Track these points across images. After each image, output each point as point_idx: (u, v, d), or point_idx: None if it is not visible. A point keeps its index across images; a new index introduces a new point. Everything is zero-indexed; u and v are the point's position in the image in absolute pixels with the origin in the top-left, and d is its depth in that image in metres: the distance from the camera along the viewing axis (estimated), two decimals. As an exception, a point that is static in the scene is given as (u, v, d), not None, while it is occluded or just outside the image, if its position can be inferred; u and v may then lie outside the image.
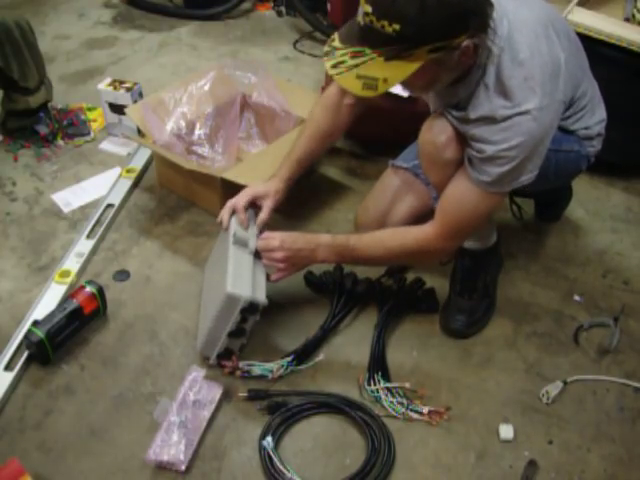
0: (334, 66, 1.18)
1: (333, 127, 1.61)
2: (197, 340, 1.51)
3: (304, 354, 1.50)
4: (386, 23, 1.10)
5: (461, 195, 1.37)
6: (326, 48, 1.21)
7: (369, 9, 1.11)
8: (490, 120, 1.27)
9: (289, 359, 1.48)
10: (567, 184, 1.86)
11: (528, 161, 1.29)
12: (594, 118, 1.51)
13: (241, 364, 1.46)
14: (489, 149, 1.28)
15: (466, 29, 1.15)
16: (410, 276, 1.70)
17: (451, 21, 1.12)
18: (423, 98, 1.53)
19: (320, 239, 1.49)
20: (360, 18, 1.14)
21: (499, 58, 1.24)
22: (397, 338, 1.58)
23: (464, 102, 1.32)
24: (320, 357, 1.50)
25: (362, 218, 1.77)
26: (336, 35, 1.22)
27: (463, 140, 1.36)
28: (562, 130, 1.47)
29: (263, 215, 1.53)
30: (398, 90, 1.89)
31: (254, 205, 1.55)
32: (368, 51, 1.15)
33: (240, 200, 1.52)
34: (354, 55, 1.16)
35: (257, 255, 1.48)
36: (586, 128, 1.50)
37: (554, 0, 2.16)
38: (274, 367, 1.46)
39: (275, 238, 1.46)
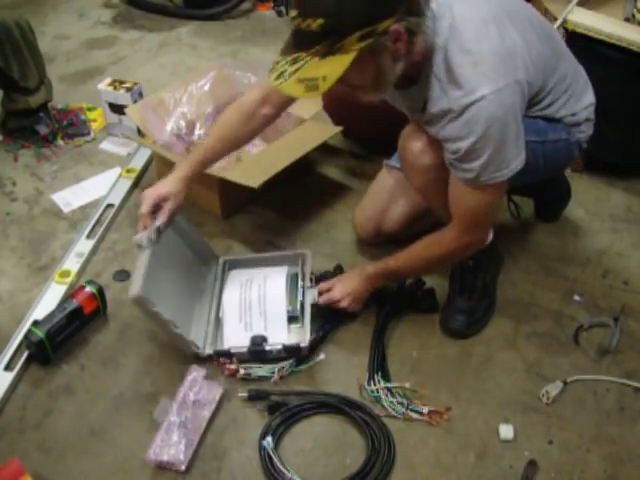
0: (277, 78, 1.21)
1: (245, 134, 1.60)
2: None
3: (305, 355, 1.50)
4: (311, 21, 1.13)
5: (460, 195, 1.39)
6: (270, 66, 1.24)
7: (294, 12, 1.16)
8: (450, 113, 1.28)
9: (290, 360, 1.48)
10: (562, 172, 1.85)
11: (506, 144, 1.28)
12: (580, 104, 1.50)
13: (242, 366, 1.46)
14: (463, 145, 1.28)
15: (391, 13, 1.16)
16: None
17: (371, 5, 1.14)
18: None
19: (367, 273, 1.56)
20: (291, 25, 1.18)
21: (445, 48, 1.25)
22: (397, 338, 1.58)
23: (426, 102, 1.33)
24: (321, 357, 1.50)
25: (360, 218, 1.79)
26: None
27: (439, 144, 1.37)
28: (547, 120, 1.47)
29: (162, 218, 1.49)
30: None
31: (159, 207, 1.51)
32: (303, 55, 1.18)
33: (144, 208, 1.48)
34: (292, 62, 1.19)
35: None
36: (573, 115, 1.50)
37: (554, 0, 2.16)
38: (275, 368, 1.46)
39: (334, 292, 1.55)
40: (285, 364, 1.47)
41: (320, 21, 1.12)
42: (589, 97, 1.53)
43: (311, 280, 1.61)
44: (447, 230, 1.45)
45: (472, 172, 1.31)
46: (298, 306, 1.56)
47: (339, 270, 1.68)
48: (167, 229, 1.53)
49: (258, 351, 1.48)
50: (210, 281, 1.68)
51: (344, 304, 1.55)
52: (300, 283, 1.60)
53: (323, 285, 1.58)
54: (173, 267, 1.59)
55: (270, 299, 1.57)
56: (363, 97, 1.35)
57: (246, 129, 1.58)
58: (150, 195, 1.49)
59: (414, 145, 1.45)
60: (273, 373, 1.45)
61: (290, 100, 1.57)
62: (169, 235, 1.56)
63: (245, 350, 1.48)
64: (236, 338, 1.52)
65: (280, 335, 1.52)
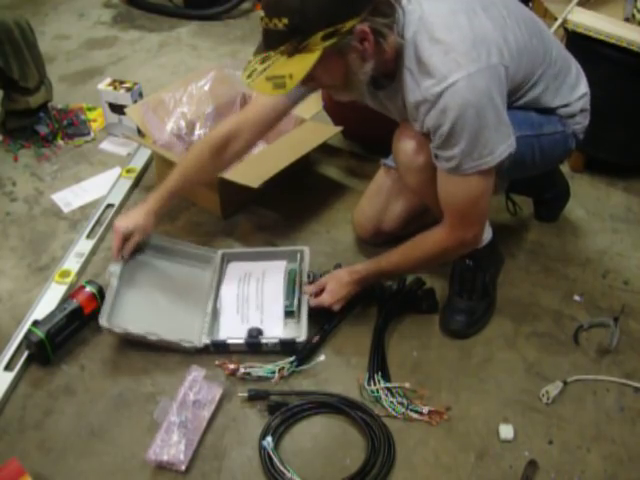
0: (248, 76, 1.24)
1: (215, 168, 1.64)
2: None
3: (305, 355, 1.50)
4: (277, 20, 1.17)
5: (448, 189, 1.39)
6: (245, 65, 1.27)
7: (262, 13, 1.19)
8: (425, 104, 1.29)
9: (291, 359, 1.48)
10: (561, 164, 1.85)
11: (485, 130, 1.28)
12: (574, 93, 1.51)
13: (242, 366, 1.47)
14: (442, 132, 1.29)
15: (355, 13, 1.19)
16: (410, 276, 1.70)
17: (334, 5, 1.17)
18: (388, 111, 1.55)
19: (358, 275, 1.55)
20: (261, 25, 1.21)
21: (415, 40, 1.27)
22: (397, 338, 1.58)
23: (403, 97, 1.34)
24: (321, 358, 1.50)
25: (359, 218, 1.80)
26: None
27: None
28: (542, 112, 1.47)
29: (125, 252, 1.60)
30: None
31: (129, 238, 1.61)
32: (272, 53, 1.21)
33: (114, 245, 1.59)
34: (262, 61, 1.23)
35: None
36: (567, 105, 1.50)
37: (554, 0, 2.16)
38: (276, 369, 1.46)
39: (325, 298, 1.54)
40: (286, 364, 1.47)
41: (285, 20, 1.16)
42: (582, 87, 1.54)
43: (308, 277, 1.62)
44: (438, 227, 1.45)
45: (454, 159, 1.31)
46: (295, 301, 1.57)
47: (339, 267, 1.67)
48: (142, 253, 1.66)
49: (254, 343, 1.50)
50: (208, 274, 1.69)
51: (336, 307, 1.55)
52: (298, 279, 1.62)
53: (312, 288, 1.57)
54: (156, 278, 1.66)
55: (268, 294, 1.60)
56: (337, 96, 1.37)
57: (215, 164, 1.62)
58: (118, 232, 1.58)
59: (408, 145, 1.45)
60: (273, 373, 1.45)
61: (260, 134, 1.61)
62: (144, 257, 1.67)
63: (242, 342, 1.50)
64: (232, 329, 1.55)
65: (275, 329, 1.54)
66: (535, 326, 1.62)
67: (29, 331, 1.48)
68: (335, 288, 1.55)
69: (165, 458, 1.29)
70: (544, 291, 1.71)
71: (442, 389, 1.46)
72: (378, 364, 1.49)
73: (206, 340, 1.51)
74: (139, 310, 1.56)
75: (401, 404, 1.41)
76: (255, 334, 1.51)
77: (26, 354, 1.50)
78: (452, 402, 1.43)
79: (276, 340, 1.49)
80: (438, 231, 1.45)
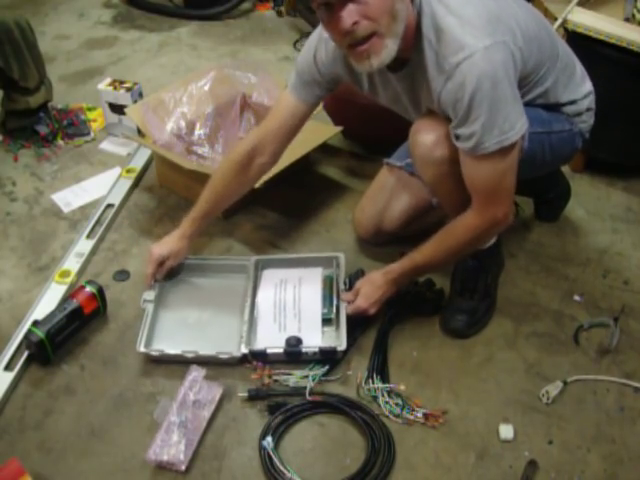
0: None
1: (241, 186, 1.64)
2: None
3: (335, 364, 1.50)
4: None
5: (473, 171, 1.36)
6: None
7: None
8: (442, 74, 1.28)
9: (319, 367, 1.47)
10: (567, 163, 1.85)
11: (504, 103, 1.27)
12: (581, 91, 1.52)
13: (275, 372, 1.46)
14: (460, 106, 1.28)
15: None
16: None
17: None
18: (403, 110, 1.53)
19: (393, 275, 1.53)
20: None
21: (433, 12, 1.27)
22: (397, 338, 1.58)
23: (425, 70, 1.33)
24: (349, 372, 1.48)
25: (359, 218, 1.80)
26: None
27: (450, 138, 1.36)
28: (550, 108, 1.48)
29: (158, 276, 1.63)
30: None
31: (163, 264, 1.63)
32: None
33: (149, 270, 1.61)
34: None
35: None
36: (574, 102, 1.51)
37: (554, 0, 2.16)
38: (310, 378, 1.44)
39: (360, 302, 1.52)
40: (319, 373, 1.46)
41: None
42: (588, 85, 1.55)
43: (345, 284, 1.60)
44: (468, 212, 1.42)
45: (475, 136, 1.29)
46: (334, 309, 1.55)
47: (362, 274, 1.64)
48: (177, 275, 1.69)
49: (293, 352, 1.48)
50: (243, 282, 1.66)
51: (372, 311, 1.53)
52: (335, 286, 1.60)
53: (348, 296, 1.55)
54: (192, 296, 1.67)
55: (305, 301, 1.58)
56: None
57: (242, 181, 1.62)
58: (152, 259, 1.60)
59: (426, 138, 1.42)
60: (311, 381, 1.44)
61: (283, 144, 1.58)
62: (180, 278, 1.69)
63: (281, 351, 1.48)
64: (270, 338, 1.52)
65: (314, 338, 1.52)
66: (535, 326, 1.62)
67: (29, 331, 1.48)
68: (368, 291, 1.53)
69: (165, 458, 1.29)
70: (544, 291, 1.71)
71: (442, 389, 1.46)
72: (378, 365, 1.49)
73: (244, 350, 1.48)
74: (177, 330, 1.57)
75: (397, 405, 1.40)
76: (294, 343, 1.49)
77: (26, 354, 1.50)
78: (452, 402, 1.43)
79: (316, 349, 1.47)
80: (468, 215, 1.42)
